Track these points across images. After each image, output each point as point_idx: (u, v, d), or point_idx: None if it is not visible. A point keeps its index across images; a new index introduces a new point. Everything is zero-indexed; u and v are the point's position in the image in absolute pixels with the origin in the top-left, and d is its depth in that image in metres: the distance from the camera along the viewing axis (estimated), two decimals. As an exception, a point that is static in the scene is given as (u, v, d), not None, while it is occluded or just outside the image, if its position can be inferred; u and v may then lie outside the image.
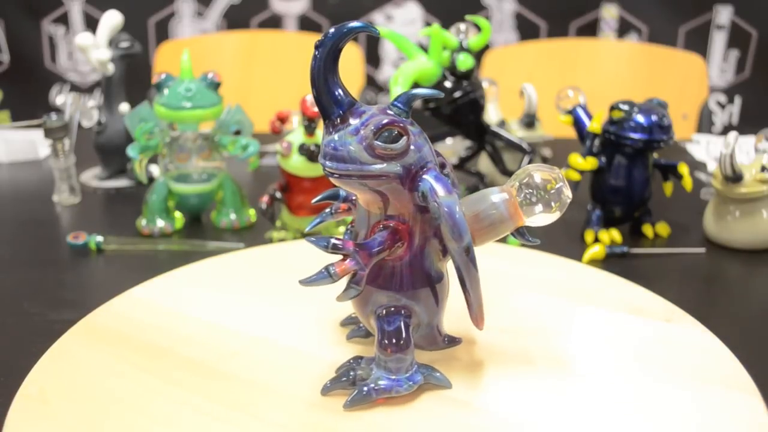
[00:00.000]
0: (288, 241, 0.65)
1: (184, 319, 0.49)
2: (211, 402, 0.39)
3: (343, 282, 0.36)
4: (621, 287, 0.54)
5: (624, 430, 0.37)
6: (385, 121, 0.34)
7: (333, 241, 0.35)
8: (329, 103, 0.34)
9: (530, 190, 0.38)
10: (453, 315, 0.42)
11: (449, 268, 0.40)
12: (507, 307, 0.49)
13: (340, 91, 0.34)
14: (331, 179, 0.36)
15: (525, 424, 0.38)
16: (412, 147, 0.35)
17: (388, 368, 0.38)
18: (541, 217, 0.38)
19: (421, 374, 0.39)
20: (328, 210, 0.42)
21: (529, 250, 0.62)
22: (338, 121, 0.34)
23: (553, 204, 0.38)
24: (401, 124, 0.34)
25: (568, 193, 0.38)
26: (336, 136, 0.34)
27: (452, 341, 0.43)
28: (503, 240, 0.65)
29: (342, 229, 0.66)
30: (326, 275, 0.35)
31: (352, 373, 0.39)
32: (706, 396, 0.40)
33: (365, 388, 0.38)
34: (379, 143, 0.34)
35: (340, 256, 0.37)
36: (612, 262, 0.62)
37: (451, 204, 0.35)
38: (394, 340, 0.38)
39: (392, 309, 0.38)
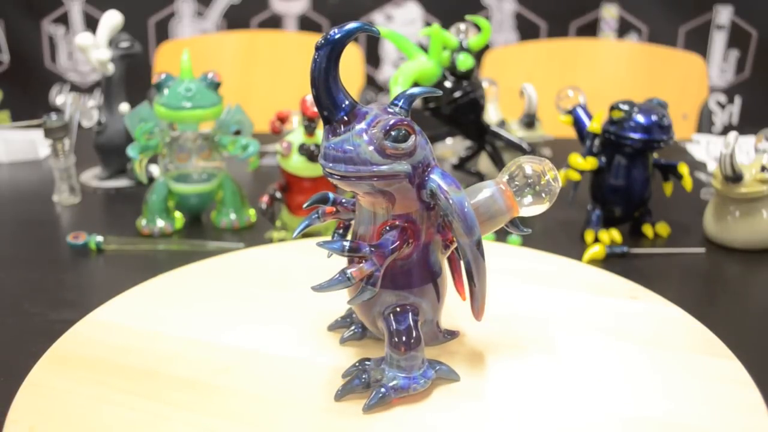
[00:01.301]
0: (288, 241, 0.65)
1: (163, 338, 0.46)
2: (219, 419, 0.37)
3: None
4: (609, 278, 0.54)
5: (617, 402, 0.39)
6: (393, 121, 0.34)
7: (348, 243, 0.35)
8: (330, 105, 0.34)
9: (521, 182, 0.39)
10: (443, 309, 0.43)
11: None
12: (496, 297, 0.49)
13: (341, 93, 0.34)
14: (334, 181, 0.36)
15: (534, 407, 0.38)
16: (417, 146, 0.35)
17: (401, 367, 0.38)
18: (532, 208, 0.40)
19: (432, 369, 0.40)
20: (315, 214, 0.41)
21: (525, 249, 0.62)
22: (341, 123, 0.34)
23: (543, 194, 0.39)
24: (409, 124, 0.34)
25: (557, 183, 0.40)
26: (341, 138, 0.34)
27: (451, 335, 0.44)
28: (503, 239, 0.65)
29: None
30: (344, 279, 0.35)
31: (364, 376, 0.39)
32: (688, 362, 0.43)
33: (383, 389, 0.38)
34: (390, 143, 0.34)
35: (346, 259, 0.37)
36: (612, 262, 0.62)
37: (461, 200, 0.36)
38: (405, 339, 0.38)
39: (401, 308, 0.39)
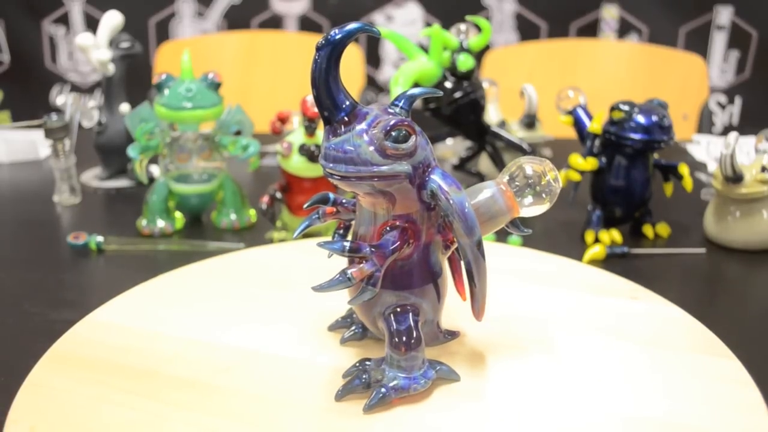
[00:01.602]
0: (288, 242, 0.65)
1: (163, 338, 0.46)
2: (220, 419, 0.37)
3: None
4: (609, 278, 0.54)
5: (617, 402, 0.39)
6: (393, 121, 0.34)
7: (349, 244, 0.35)
8: (331, 105, 0.34)
9: (522, 182, 0.39)
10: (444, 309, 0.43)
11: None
12: (496, 298, 0.49)
13: (341, 93, 0.34)
14: (334, 181, 0.36)
15: (534, 407, 0.38)
16: (418, 146, 0.35)
17: (402, 367, 0.38)
18: (533, 208, 0.40)
19: (433, 369, 0.40)
20: (315, 214, 0.41)
21: (526, 249, 0.62)
22: (341, 123, 0.34)
23: (544, 194, 0.39)
24: (409, 124, 0.34)
25: (557, 183, 0.40)
26: (341, 139, 0.34)
27: (451, 335, 0.44)
28: (503, 239, 0.65)
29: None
30: (344, 280, 0.35)
31: (364, 377, 0.39)
32: (688, 361, 0.42)
33: (383, 390, 0.38)
34: (390, 143, 0.34)
35: (347, 259, 0.37)
36: (612, 262, 0.62)
37: (461, 200, 0.36)
38: (405, 339, 0.38)
39: (401, 308, 0.39)
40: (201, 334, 0.47)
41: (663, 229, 0.69)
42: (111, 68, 0.83)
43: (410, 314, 0.39)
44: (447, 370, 0.41)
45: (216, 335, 0.46)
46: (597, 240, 0.66)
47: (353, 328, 0.45)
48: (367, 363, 0.40)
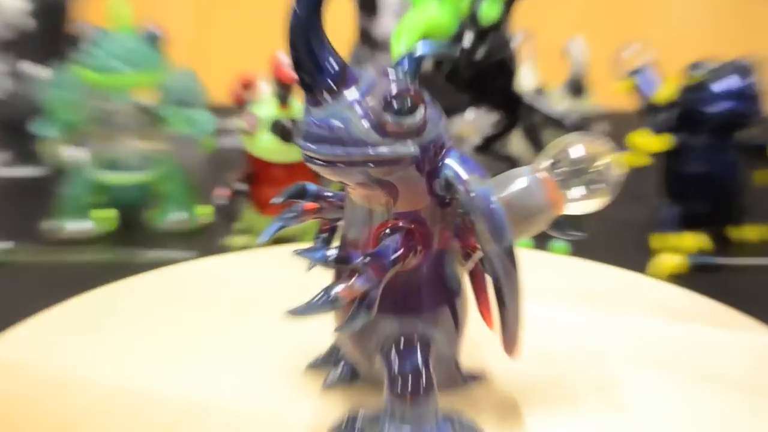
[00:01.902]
0: (253, 249, 0.65)
1: (80, 383, 0.45)
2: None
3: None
4: (690, 299, 0.54)
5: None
6: (396, 88, 0.34)
7: (335, 252, 0.35)
8: (312, 67, 0.34)
9: (568, 169, 0.39)
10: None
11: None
12: (535, 325, 0.49)
13: (326, 51, 0.34)
14: (316, 168, 0.35)
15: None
16: (428, 121, 0.35)
17: (407, 421, 0.38)
18: (583, 204, 0.40)
19: (449, 423, 0.39)
20: (289, 212, 0.41)
21: (576, 260, 0.61)
22: (326, 92, 0.34)
23: (597, 185, 0.39)
24: (416, 92, 0.34)
25: (616, 170, 0.39)
26: (326, 112, 0.34)
27: (473, 378, 0.44)
28: (545, 245, 0.64)
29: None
30: (327, 302, 0.34)
31: None
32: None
33: None
34: (391, 117, 0.34)
35: (332, 273, 0.37)
36: (694, 277, 0.62)
37: (486, 193, 0.35)
38: (411, 382, 0.37)
39: (406, 340, 0.38)
40: (132, 378, 0.46)
41: (759, 232, 0.69)
42: (23, 21, 0.83)
43: (418, 348, 0.38)
44: (468, 425, 0.40)
45: (153, 380, 0.46)
46: (672, 247, 0.66)
47: (340, 367, 0.45)
48: (358, 417, 0.40)
